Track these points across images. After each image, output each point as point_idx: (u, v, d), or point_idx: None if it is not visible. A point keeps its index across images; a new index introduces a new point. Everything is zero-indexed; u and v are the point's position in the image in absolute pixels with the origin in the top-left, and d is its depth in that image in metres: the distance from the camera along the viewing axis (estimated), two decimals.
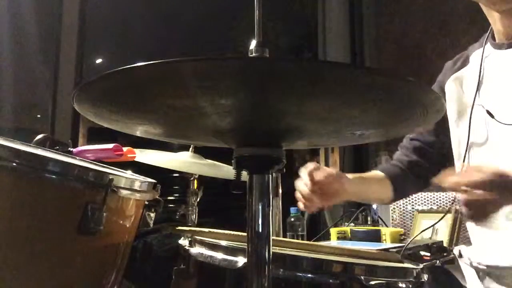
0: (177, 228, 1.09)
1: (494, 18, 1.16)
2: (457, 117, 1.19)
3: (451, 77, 1.24)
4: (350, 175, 1.22)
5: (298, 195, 1.11)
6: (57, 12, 2.76)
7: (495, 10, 1.13)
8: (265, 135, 0.68)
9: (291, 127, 0.66)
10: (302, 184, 1.10)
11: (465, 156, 1.16)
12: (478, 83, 1.15)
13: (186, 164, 1.63)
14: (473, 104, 1.15)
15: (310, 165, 1.09)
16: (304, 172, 1.09)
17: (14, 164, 0.90)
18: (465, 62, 1.24)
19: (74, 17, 2.80)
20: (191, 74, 0.54)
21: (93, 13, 3.01)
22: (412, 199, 2.37)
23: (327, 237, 2.09)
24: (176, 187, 2.66)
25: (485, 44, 1.19)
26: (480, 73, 1.16)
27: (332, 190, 1.11)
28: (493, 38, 1.19)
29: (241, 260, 0.82)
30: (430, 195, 2.32)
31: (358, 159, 3.44)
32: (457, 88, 1.21)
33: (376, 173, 1.35)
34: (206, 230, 1.03)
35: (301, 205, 1.11)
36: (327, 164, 3.54)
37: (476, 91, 1.15)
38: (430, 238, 2.29)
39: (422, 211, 2.31)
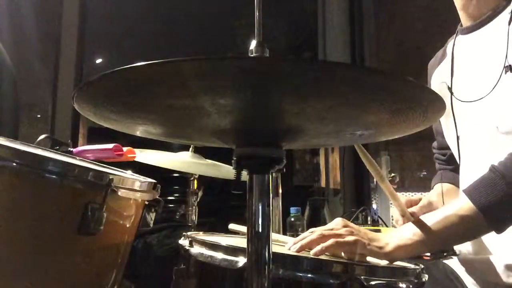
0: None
1: (456, 4, 1.21)
2: None
3: (435, 72, 1.30)
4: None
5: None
6: (57, 12, 2.76)
7: None
8: (265, 135, 0.68)
9: (291, 127, 0.66)
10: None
11: (458, 144, 1.18)
12: (452, 72, 1.19)
13: (186, 164, 1.63)
14: (451, 94, 1.17)
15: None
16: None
17: (14, 164, 0.90)
18: (443, 56, 1.29)
19: (74, 17, 2.80)
20: (191, 74, 0.54)
21: (93, 13, 3.01)
22: None
23: None
24: (176, 187, 2.66)
25: (457, 32, 1.24)
26: (452, 62, 1.20)
27: None
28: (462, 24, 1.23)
29: (241, 260, 0.82)
30: None
31: (358, 159, 3.43)
32: (439, 81, 1.25)
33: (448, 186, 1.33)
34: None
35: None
36: (327, 164, 3.53)
37: (451, 78, 1.19)
38: None
39: None
